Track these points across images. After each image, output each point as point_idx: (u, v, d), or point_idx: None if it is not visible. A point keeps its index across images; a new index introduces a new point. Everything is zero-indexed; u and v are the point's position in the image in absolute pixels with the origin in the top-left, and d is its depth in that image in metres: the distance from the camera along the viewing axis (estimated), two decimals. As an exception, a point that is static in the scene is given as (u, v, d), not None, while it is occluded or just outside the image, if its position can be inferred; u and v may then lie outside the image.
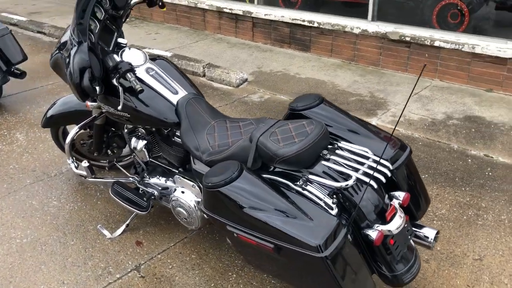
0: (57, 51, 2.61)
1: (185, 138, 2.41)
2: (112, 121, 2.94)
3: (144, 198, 2.72)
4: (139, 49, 2.60)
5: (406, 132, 3.95)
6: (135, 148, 2.66)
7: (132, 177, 2.86)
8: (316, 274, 1.82)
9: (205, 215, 2.09)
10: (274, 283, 2.44)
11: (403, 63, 5.17)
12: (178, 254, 2.68)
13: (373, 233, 1.90)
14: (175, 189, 2.59)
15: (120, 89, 2.38)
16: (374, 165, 1.99)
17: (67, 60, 2.37)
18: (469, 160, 3.52)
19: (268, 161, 2.09)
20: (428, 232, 2.19)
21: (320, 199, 1.95)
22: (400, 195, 2.06)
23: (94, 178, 2.89)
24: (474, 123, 4.05)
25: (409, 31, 5.04)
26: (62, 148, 3.36)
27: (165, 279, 2.50)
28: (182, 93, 2.52)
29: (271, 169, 2.14)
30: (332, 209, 1.94)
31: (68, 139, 2.85)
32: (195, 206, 2.49)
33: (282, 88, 4.95)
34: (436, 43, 4.82)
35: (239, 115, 4.37)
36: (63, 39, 2.61)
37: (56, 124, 3.19)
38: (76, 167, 2.88)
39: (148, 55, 2.61)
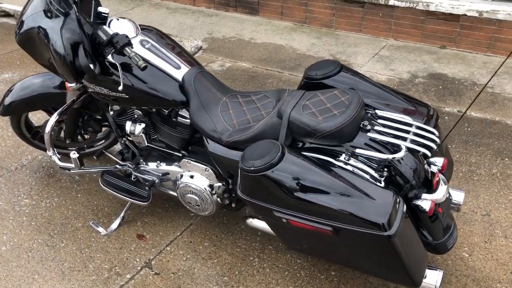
0: (26, 25, 2.19)
1: (196, 118, 2.16)
2: (87, 103, 2.59)
3: (146, 187, 2.44)
4: (127, 19, 2.26)
5: (378, 94, 3.94)
6: (131, 132, 2.36)
7: (124, 165, 2.55)
8: (380, 253, 1.73)
9: (245, 201, 1.90)
10: (301, 263, 2.33)
11: (357, 23, 5.14)
12: (189, 243, 2.47)
13: (425, 204, 1.84)
14: (182, 175, 2.35)
15: (119, 66, 2.07)
16: (421, 132, 1.91)
17: (51, 35, 2.00)
18: (446, 118, 3.59)
19: (303, 137, 1.94)
20: (457, 195, 2.18)
21: (367, 173, 1.84)
22: (437, 160, 2.01)
23: (81, 169, 2.54)
24: (439, 80, 4.14)
25: (362, -9, 5.00)
26: (25, 139, 2.93)
27: (184, 273, 2.29)
28: (184, 67, 2.26)
29: (302, 145, 1.98)
30: (380, 182, 1.84)
31: (48, 128, 2.46)
32: (209, 191, 2.28)
33: (241, 54, 4.72)
34: (391, 2, 4.83)
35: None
36: (31, 10, 2.20)
37: (16, 111, 2.76)
38: (60, 159, 2.52)
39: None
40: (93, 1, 2.30)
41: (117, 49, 2.07)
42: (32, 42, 2.20)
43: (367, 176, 1.83)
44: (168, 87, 2.19)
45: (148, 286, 2.22)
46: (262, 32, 5.26)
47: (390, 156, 1.82)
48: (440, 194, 1.89)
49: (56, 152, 2.52)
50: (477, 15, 4.47)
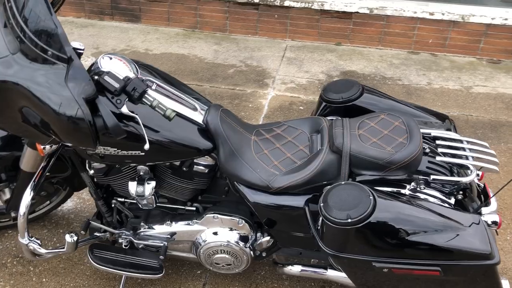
0: None
1: (230, 165, 1.83)
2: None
3: (160, 256, 1.99)
4: (118, 55, 1.78)
5: (307, 98, 3.93)
6: (139, 194, 1.88)
7: (119, 233, 2.05)
8: (484, 281, 1.68)
9: (335, 258, 1.66)
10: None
11: (252, 26, 5.04)
12: (216, 308, 2.11)
13: (495, 217, 1.84)
14: (202, 234, 1.98)
15: (139, 119, 1.61)
16: (475, 147, 1.89)
17: (52, 89, 1.46)
18: (379, 114, 3.74)
19: (369, 170, 1.77)
20: None
21: (440, 200, 1.77)
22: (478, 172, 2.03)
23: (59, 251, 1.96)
24: (354, 77, 4.29)
25: (254, -8, 4.90)
26: None
27: None
28: (199, 107, 1.88)
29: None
30: (451, 205, 1.79)
31: (24, 209, 1.82)
32: (243, 245, 1.96)
33: (146, 70, 4.24)
34: (286, 3, 4.83)
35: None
36: None
37: None
38: (41, 246, 1.89)
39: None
40: None
41: (134, 98, 1.61)
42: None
43: (445, 204, 1.75)
44: (191, 134, 1.80)
45: None
46: (154, 41, 4.80)
47: (468, 178, 1.77)
48: (494, 204, 1.91)
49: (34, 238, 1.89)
50: (368, 12, 4.74)
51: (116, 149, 1.71)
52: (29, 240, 1.91)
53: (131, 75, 1.72)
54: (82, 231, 2.02)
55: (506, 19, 4.55)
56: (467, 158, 1.85)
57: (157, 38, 4.88)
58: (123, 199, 2.05)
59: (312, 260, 2.07)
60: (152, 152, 1.73)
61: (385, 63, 4.57)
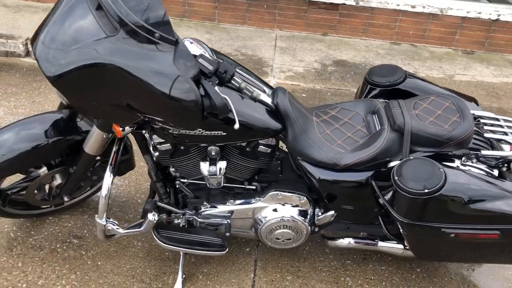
0: (81, 57, 1.56)
1: (299, 145, 1.95)
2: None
3: (226, 233, 2.07)
4: (194, 38, 1.84)
5: (308, 86, 4.08)
6: (212, 174, 1.95)
7: (183, 213, 2.10)
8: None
9: (408, 226, 1.82)
10: (386, 269, 2.35)
11: (241, 16, 5.11)
12: (271, 282, 2.22)
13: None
14: (263, 211, 2.08)
15: (229, 100, 1.69)
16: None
17: (161, 71, 1.51)
18: (377, 101, 3.95)
19: (427, 147, 1.94)
20: None
21: (484, 171, 1.98)
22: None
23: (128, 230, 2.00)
24: (345, 66, 4.49)
25: (244, -18, 4.98)
26: None
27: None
28: (267, 89, 1.97)
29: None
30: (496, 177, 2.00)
31: (105, 191, 1.83)
32: (304, 220, 2.08)
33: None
34: (275, -7, 4.94)
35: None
36: (83, 35, 1.57)
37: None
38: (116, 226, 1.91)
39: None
40: None
41: (225, 80, 1.68)
42: (89, 79, 1.59)
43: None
44: (266, 115, 1.89)
45: None
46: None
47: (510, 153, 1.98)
48: None
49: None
50: (354, 3, 4.94)
51: (201, 129, 1.77)
52: (107, 221, 1.93)
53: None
54: (151, 213, 2.05)
55: (479, 12, 4.90)
56: (506, 134, 2.06)
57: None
58: (185, 180, 2.10)
59: (361, 233, 2.22)
60: (233, 132, 1.81)
61: (371, 53, 4.80)
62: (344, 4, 4.95)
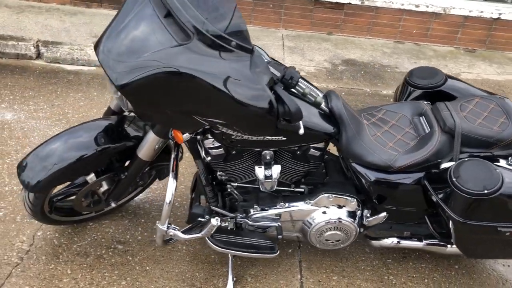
0: (152, 65, 1.55)
1: (353, 148, 1.98)
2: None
3: (279, 236, 2.10)
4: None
5: (321, 85, 4.12)
6: (268, 177, 1.97)
7: (234, 216, 2.11)
8: None
9: (466, 228, 1.87)
10: (426, 266, 2.40)
11: (247, 15, 5.11)
12: (318, 283, 2.26)
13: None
14: (313, 213, 2.11)
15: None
16: None
17: (236, 78, 1.52)
18: (389, 99, 4.03)
19: (477, 148, 2.00)
20: None
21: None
22: None
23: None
24: (354, 65, 4.55)
25: (250, -18, 4.99)
26: (40, 215, 2.11)
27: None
28: (319, 92, 2.00)
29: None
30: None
31: (170, 197, 1.83)
32: (354, 222, 2.12)
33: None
34: (282, -7, 4.96)
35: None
36: (151, 45, 1.57)
37: (47, 188, 1.98)
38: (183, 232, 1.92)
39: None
40: None
41: (291, 86, 1.70)
42: (160, 88, 1.59)
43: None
44: (322, 119, 1.93)
45: None
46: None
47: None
48: None
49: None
50: (359, 3, 5.00)
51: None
52: (168, 226, 1.93)
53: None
54: (206, 217, 2.06)
55: (481, 11, 5.01)
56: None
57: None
58: (234, 184, 2.11)
59: (405, 232, 2.27)
60: (293, 137, 1.83)
61: (378, 52, 4.87)
62: (349, 3, 5.00)
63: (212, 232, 2.01)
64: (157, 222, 1.94)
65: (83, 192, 2.11)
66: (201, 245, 2.35)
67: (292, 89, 1.78)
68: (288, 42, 4.85)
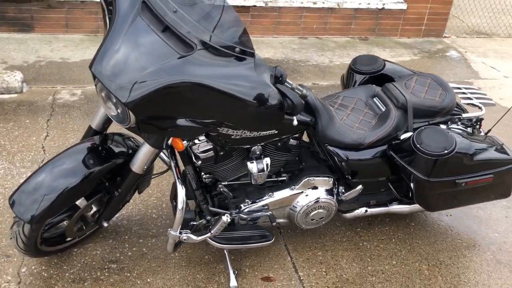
0: (159, 79, 1.63)
1: (329, 133, 2.24)
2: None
3: (273, 223, 2.26)
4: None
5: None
6: (259, 171, 2.12)
7: (225, 213, 2.22)
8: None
9: (430, 185, 2.19)
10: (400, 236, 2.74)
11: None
12: (308, 259, 2.46)
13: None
14: (298, 197, 2.32)
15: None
16: (473, 91, 2.63)
17: (247, 82, 1.67)
18: (312, 90, 4.37)
19: (424, 118, 2.36)
20: None
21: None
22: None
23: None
24: (272, 63, 4.81)
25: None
26: (31, 248, 2.05)
27: (351, 276, 2.35)
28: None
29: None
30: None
31: (181, 204, 1.89)
32: (332, 198, 2.36)
33: (79, 77, 4.09)
34: None
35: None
36: (153, 60, 1.65)
37: (45, 217, 1.94)
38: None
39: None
40: None
41: (282, 82, 1.88)
42: (169, 100, 1.67)
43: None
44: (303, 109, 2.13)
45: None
46: (64, 49, 4.58)
47: (483, 112, 2.49)
48: None
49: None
50: (263, 5, 5.31)
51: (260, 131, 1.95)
52: (181, 232, 1.99)
53: None
54: (208, 217, 2.15)
55: (369, 3, 5.61)
56: (471, 98, 2.58)
57: (64, 46, 4.64)
58: (225, 183, 2.23)
59: (371, 201, 2.57)
60: (284, 130, 2.01)
61: (288, 49, 5.21)
62: (254, 6, 5.28)
63: (222, 229, 2.11)
64: (169, 229, 2.00)
65: (76, 217, 2.08)
66: (192, 249, 2.42)
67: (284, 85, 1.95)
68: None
